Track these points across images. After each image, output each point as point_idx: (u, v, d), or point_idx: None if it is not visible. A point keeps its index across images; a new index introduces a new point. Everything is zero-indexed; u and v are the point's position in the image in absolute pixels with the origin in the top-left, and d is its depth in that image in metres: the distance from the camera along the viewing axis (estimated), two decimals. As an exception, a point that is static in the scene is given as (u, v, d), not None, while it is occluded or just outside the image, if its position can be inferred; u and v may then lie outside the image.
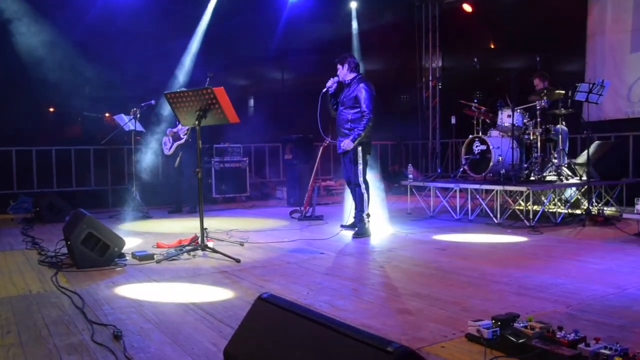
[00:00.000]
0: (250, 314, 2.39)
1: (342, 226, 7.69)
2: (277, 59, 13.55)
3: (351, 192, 7.53)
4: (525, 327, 3.17)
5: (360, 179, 7.24)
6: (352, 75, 7.27)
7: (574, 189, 8.72)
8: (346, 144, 7.15)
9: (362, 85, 7.13)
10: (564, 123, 9.26)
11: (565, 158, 9.17)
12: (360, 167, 7.24)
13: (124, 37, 10.61)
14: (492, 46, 14.11)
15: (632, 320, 3.69)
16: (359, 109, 7.11)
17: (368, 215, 7.30)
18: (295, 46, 13.06)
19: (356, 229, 7.34)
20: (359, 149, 7.21)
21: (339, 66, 7.31)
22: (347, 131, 7.19)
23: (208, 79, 6.82)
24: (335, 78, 7.36)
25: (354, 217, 7.49)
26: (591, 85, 8.58)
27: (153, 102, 9.73)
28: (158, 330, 3.55)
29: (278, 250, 6.41)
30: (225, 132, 11.88)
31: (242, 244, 6.66)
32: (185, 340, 3.36)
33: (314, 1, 13.32)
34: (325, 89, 7.36)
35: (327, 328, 1.91)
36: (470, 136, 9.25)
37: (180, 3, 11.95)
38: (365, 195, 7.27)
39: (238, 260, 5.69)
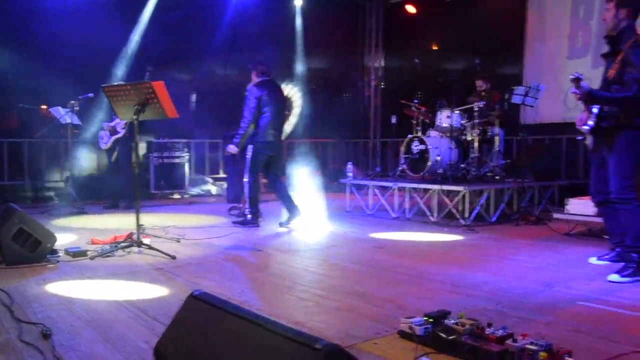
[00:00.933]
0: (182, 312, 2.36)
1: (281, 224, 7.74)
2: (220, 54, 13.42)
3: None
4: (456, 323, 3.22)
5: (246, 176, 7.65)
6: (257, 79, 7.70)
7: (509, 188, 8.92)
8: (231, 148, 7.78)
9: (247, 90, 7.66)
10: (500, 125, 9.48)
11: (501, 159, 9.37)
12: (249, 165, 7.61)
13: (63, 28, 10.32)
14: (435, 47, 14.31)
15: (557, 316, 3.81)
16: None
17: (251, 209, 7.80)
18: (238, 42, 12.97)
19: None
20: (250, 147, 7.61)
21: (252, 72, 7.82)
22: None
23: (147, 73, 6.72)
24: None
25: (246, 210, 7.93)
26: (527, 89, 8.81)
27: (92, 95, 9.48)
28: (89, 328, 3.47)
29: (215, 247, 6.36)
30: (165, 127, 11.69)
31: (178, 241, 6.56)
32: (117, 338, 3.29)
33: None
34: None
35: (256, 326, 1.91)
36: (410, 136, 9.34)
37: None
38: (246, 191, 7.74)
39: (174, 257, 5.60)
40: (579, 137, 5.38)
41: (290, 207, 7.73)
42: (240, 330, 1.97)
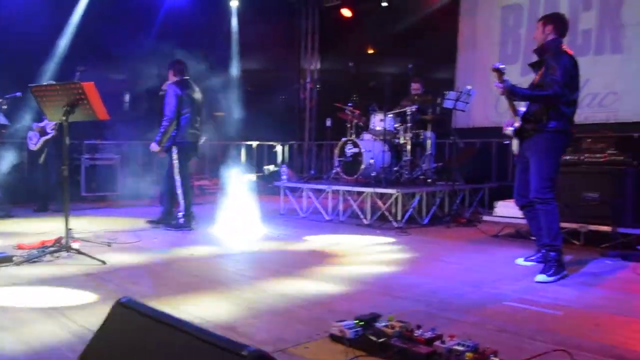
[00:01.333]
0: (108, 320, 2.30)
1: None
2: (154, 55, 13.17)
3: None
4: (386, 326, 3.26)
5: (177, 177, 7.57)
6: (175, 78, 7.57)
7: (440, 191, 9.08)
8: (153, 147, 7.55)
9: (168, 88, 7.48)
10: (432, 129, 9.65)
11: (433, 162, 9.54)
12: (177, 167, 7.54)
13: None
14: (370, 51, 14.45)
15: (485, 317, 3.90)
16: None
17: (183, 212, 7.66)
18: (173, 42, 12.76)
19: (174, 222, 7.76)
20: (175, 149, 7.54)
21: (169, 69, 7.69)
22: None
23: (78, 74, 6.49)
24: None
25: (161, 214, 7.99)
26: (459, 94, 9.00)
27: (19, 94, 9.16)
28: (13, 337, 3.34)
29: (147, 251, 6.23)
30: (97, 129, 11.39)
31: (109, 245, 6.39)
32: (42, 348, 3.18)
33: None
34: (161, 92, 7.68)
35: (183, 333, 1.88)
36: (343, 139, 9.41)
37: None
38: (179, 195, 7.65)
39: (104, 262, 5.45)
40: (506, 142, 5.57)
41: (170, 208, 7.91)
42: (166, 337, 1.93)
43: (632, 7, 10.20)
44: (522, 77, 10.90)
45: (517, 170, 5.56)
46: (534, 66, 5.45)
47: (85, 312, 3.92)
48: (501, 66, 4.91)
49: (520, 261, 5.73)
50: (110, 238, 6.82)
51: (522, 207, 5.61)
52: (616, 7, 10.40)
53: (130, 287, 4.67)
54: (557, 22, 5.35)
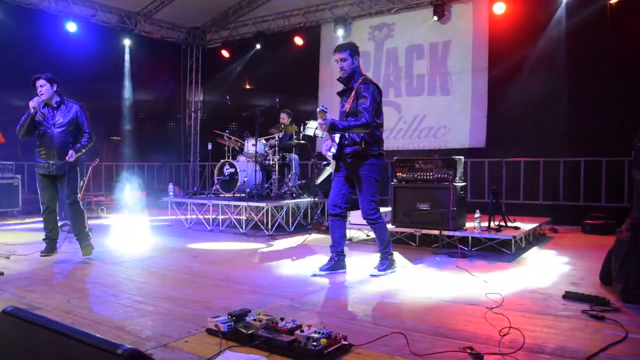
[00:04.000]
0: (-7, 328, 2.10)
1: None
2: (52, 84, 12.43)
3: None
4: (255, 320, 3.23)
5: (78, 197, 6.12)
6: (58, 97, 5.96)
7: (304, 203, 9.16)
8: (71, 154, 5.81)
9: (76, 107, 6.00)
10: (296, 152, 9.75)
11: (297, 180, 9.62)
12: (79, 185, 6.22)
13: None
14: (247, 86, 14.43)
15: (337, 308, 3.96)
16: (76, 131, 6.02)
17: (89, 229, 6.33)
18: (70, 75, 12.09)
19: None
20: (78, 168, 6.16)
21: (46, 83, 5.85)
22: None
23: None
24: (41, 97, 5.84)
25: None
26: (317, 123, 9.14)
27: None
28: None
29: (44, 261, 5.79)
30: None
31: (8, 257, 5.89)
32: None
33: (91, 33, 12.48)
34: (32, 110, 5.74)
35: (64, 337, 1.75)
36: (222, 160, 9.30)
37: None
38: (85, 213, 6.26)
39: (2, 273, 5.01)
40: (324, 163, 5.43)
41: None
42: (49, 342, 1.79)
43: (455, 59, 10.88)
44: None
45: (335, 183, 5.30)
46: (342, 94, 5.24)
47: (-22, 319, 3.57)
48: (324, 108, 4.71)
49: (315, 272, 5.22)
50: (9, 250, 6.30)
51: (331, 215, 5.29)
52: (443, 58, 11.04)
53: (27, 295, 4.32)
54: (359, 54, 5.16)
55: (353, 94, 5.01)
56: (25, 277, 5.04)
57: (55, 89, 5.94)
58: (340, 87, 5.30)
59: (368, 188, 5.08)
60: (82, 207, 6.20)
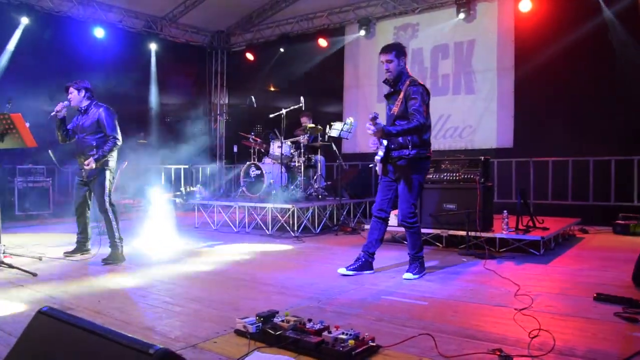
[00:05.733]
0: (29, 328, 2.15)
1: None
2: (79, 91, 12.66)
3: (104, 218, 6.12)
4: (283, 321, 3.24)
5: (108, 204, 6.01)
6: (88, 101, 6.07)
7: (330, 205, 9.18)
8: (90, 162, 5.84)
9: (102, 109, 6.00)
10: (321, 153, 9.77)
11: (323, 181, 9.64)
12: (108, 191, 6.04)
13: None
14: (271, 88, 14.52)
15: (365, 309, 3.95)
16: (102, 134, 5.97)
17: (120, 239, 6.08)
18: (97, 79, 12.28)
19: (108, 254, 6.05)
20: (107, 172, 6.03)
21: (74, 91, 6.01)
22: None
23: (8, 105, 6.06)
24: (66, 103, 5.99)
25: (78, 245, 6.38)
26: (343, 124, 9.17)
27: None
28: (-60, 346, 3.08)
29: (75, 264, 5.90)
30: (30, 154, 10.76)
31: (40, 259, 6.01)
32: (-31, 355, 2.95)
33: (118, 38, 12.71)
34: (53, 113, 5.93)
35: (97, 336, 1.78)
36: (248, 162, 9.38)
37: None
38: (114, 220, 6.03)
39: (35, 274, 5.12)
40: (371, 165, 5.49)
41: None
42: (82, 341, 1.83)
43: (480, 58, 10.79)
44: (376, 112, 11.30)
45: (381, 188, 5.29)
46: (389, 97, 5.21)
47: (14, 320, 3.65)
48: (376, 114, 4.72)
49: (342, 271, 5.24)
50: (42, 252, 6.44)
51: (376, 217, 5.31)
52: (468, 57, 10.96)
53: (59, 295, 4.41)
54: (406, 54, 5.17)
55: (401, 96, 4.97)
56: (57, 278, 5.14)
57: (83, 95, 6.05)
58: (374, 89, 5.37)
59: (410, 191, 5.04)
60: (110, 214, 6.02)
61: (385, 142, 5.06)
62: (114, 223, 6.03)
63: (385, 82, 5.20)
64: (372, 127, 4.76)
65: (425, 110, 4.91)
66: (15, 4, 11.06)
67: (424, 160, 5.09)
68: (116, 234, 6.04)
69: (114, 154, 6.12)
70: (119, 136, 6.03)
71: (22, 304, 4.12)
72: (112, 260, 5.96)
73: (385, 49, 5.13)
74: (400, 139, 4.99)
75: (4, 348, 3.04)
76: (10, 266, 5.33)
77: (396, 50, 5.07)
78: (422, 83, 5.04)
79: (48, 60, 11.16)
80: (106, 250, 6.07)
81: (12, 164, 10.51)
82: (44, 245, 7.14)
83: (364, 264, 5.29)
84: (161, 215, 8.78)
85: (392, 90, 5.16)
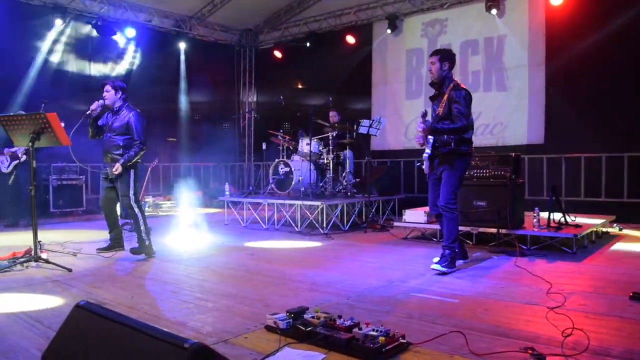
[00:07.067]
0: (67, 321, 2.21)
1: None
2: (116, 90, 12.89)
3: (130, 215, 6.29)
4: (313, 317, 3.25)
5: (133, 201, 6.10)
6: (121, 102, 6.15)
7: (358, 202, 9.17)
8: (117, 168, 5.94)
9: (132, 113, 6.08)
10: (350, 150, 9.76)
11: (352, 178, 9.63)
12: (133, 189, 6.12)
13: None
14: (299, 86, 14.55)
15: (395, 306, 3.94)
16: (130, 136, 6.05)
17: (148, 234, 6.19)
18: (128, 78, 12.48)
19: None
20: (132, 171, 6.10)
21: (111, 89, 6.11)
22: (118, 157, 6.03)
23: (43, 105, 6.20)
24: (101, 101, 6.09)
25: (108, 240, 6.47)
26: (371, 121, 9.15)
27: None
28: (-17, 338, 3.17)
29: (108, 259, 6.02)
30: (64, 152, 10.98)
31: (75, 255, 6.16)
32: (10, 349, 3.02)
33: (148, 38, 12.90)
34: (89, 111, 6.05)
35: (133, 330, 1.82)
36: (276, 160, 9.42)
37: (21, 31, 10.94)
38: (140, 217, 6.13)
39: (70, 270, 5.25)
40: (418, 164, 5.66)
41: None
42: (119, 335, 1.87)
43: (510, 54, 10.64)
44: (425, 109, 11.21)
45: (430, 186, 5.56)
46: (434, 99, 5.49)
47: (51, 314, 3.76)
48: (425, 111, 5.12)
49: (435, 266, 5.24)
50: (76, 248, 6.59)
51: (436, 216, 5.63)
52: (498, 53, 10.82)
53: (93, 290, 4.51)
54: (453, 60, 5.40)
55: (445, 99, 5.22)
56: (91, 273, 5.25)
57: (119, 95, 6.14)
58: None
59: (451, 179, 5.27)
60: (136, 211, 6.11)
61: (431, 139, 5.34)
62: (140, 219, 6.14)
63: (431, 84, 5.48)
64: (422, 125, 5.12)
65: (467, 113, 5.18)
66: (50, 6, 11.28)
67: (466, 155, 5.33)
68: (143, 229, 6.15)
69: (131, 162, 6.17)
70: (145, 142, 6.10)
71: (58, 298, 4.23)
72: (140, 251, 6.13)
73: (432, 53, 5.46)
74: (444, 137, 5.27)
75: (43, 341, 3.12)
76: (47, 261, 5.46)
77: (441, 54, 5.37)
78: (465, 87, 5.29)
79: (81, 61, 11.38)
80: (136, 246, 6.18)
81: (47, 163, 10.75)
82: (77, 241, 7.29)
83: (452, 257, 5.32)
84: (191, 212, 8.89)
85: (436, 92, 5.43)
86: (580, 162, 9.63)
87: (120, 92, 6.16)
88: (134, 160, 6.05)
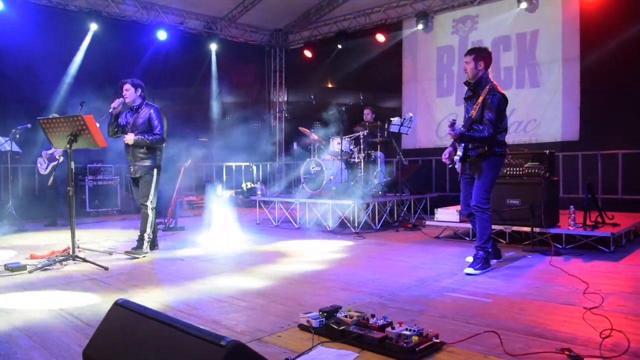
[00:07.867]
0: (107, 318, 2.27)
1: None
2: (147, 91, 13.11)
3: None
4: (346, 316, 3.26)
5: (148, 201, 6.26)
6: (140, 100, 6.30)
7: (390, 201, 9.13)
8: (130, 136, 6.11)
9: (152, 109, 6.24)
10: (381, 149, 9.72)
11: (383, 177, 9.60)
12: (152, 190, 6.28)
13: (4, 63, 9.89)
14: (330, 85, 14.57)
15: (428, 305, 3.92)
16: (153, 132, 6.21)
17: (150, 237, 6.33)
18: (160, 80, 12.67)
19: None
20: (155, 171, 6.31)
21: (130, 87, 6.23)
22: (143, 155, 6.22)
23: (80, 107, 6.35)
24: (121, 100, 6.24)
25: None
26: (402, 120, 9.10)
27: (29, 125, 9.03)
28: (26, 337, 3.26)
29: (143, 258, 6.13)
30: (100, 154, 11.23)
31: (110, 254, 6.30)
32: (53, 344, 3.11)
33: (180, 40, 13.08)
34: (111, 109, 6.24)
35: (171, 327, 1.86)
36: (308, 159, 9.45)
37: (58, 36, 11.20)
38: (151, 219, 6.30)
39: (106, 268, 5.38)
40: (449, 165, 5.62)
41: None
42: (157, 332, 1.91)
43: (544, 49, 10.46)
44: (456, 107, 11.11)
45: (462, 186, 5.53)
46: (468, 99, 5.40)
47: (90, 311, 3.85)
48: (454, 120, 5.03)
49: (469, 270, 5.13)
50: (111, 247, 6.73)
51: (468, 216, 5.60)
52: (531, 48, 10.65)
53: (129, 289, 4.60)
54: (488, 59, 5.31)
55: (480, 102, 5.15)
56: (127, 272, 5.36)
57: (139, 93, 6.30)
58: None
59: (485, 180, 5.22)
60: (149, 211, 6.29)
61: (463, 144, 5.32)
62: (149, 219, 6.30)
63: (466, 83, 5.41)
64: (450, 131, 5.05)
65: (498, 120, 5.10)
66: (85, 11, 11.52)
67: (498, 157, 5.25)
68: (148, 230, 6.29)
69: (161, 154, 6.39)
70: (165, 136, 6.31)
71: (96, 296, 4.33)
72: (135, 254, 6.19)
73: (467, 52, 5.38)
74: None
75: (83, 337, 3.21)
76: (84, 260, 5.59)
77: (475, 54, 5.27)
78: (501, 91, 5.18)
79: (114, 64, 11.59)
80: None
81: (84, 163, 10.99)
82: (113, 240, 7.44)
83: (486, 257, 5.27)
84: (223, 212, 8.97)
85: (471, 93, 5.33)
86: (618, 158, 9.41)
87: (140, 90, 6.30)
88: (147, 142, 6.16)
